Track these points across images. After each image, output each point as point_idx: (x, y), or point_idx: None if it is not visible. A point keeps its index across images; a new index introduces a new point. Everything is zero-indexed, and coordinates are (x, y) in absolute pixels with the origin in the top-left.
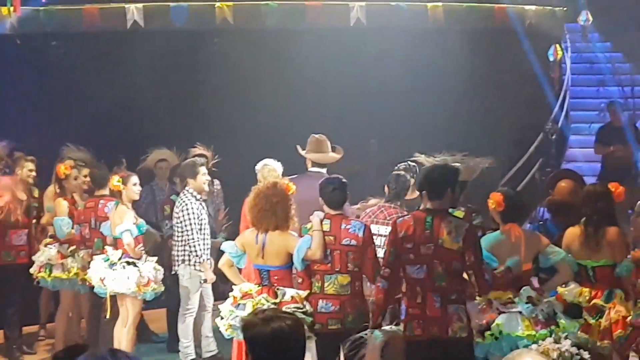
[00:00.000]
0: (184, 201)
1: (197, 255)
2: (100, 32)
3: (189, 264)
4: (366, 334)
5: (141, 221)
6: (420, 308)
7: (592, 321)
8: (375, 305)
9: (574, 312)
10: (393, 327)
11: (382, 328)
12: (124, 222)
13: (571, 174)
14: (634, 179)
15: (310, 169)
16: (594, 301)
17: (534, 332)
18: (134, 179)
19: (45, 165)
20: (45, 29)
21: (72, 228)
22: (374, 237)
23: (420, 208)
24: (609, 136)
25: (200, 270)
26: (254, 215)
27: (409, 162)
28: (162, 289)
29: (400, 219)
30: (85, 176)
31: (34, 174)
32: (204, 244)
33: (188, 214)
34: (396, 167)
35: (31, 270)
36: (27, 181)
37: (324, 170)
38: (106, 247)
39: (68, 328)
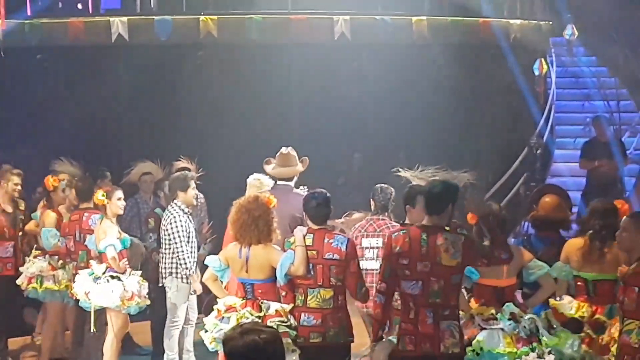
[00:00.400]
0: (172, 214)
1: (186, 268)
2: (85, 46)
3: (177, 277)
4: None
5: (125, 236)
6: (413, 323)
7: (594, 336)
8: (374, 319)
9: (573, 326)
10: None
11: (384, 340)
12: (107, 236)
13: (555, 189)
14: (619, 194)
15: (278, 182)
16: (596, 316)
17: (515, 350)
18: (118, 193)
19: (29, 177)
20: (30, 42)
21: (58, 240)
22: (366, 250)
23: (416, 224)
24: (594, 151)
25: (188, 283)
26: (236, 229)
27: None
28: (147, 302)
29: (395, 234)
30: (67, 189)
31: (19, 187)
32: (192, 256)
33: (176, 227)
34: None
35: (18, 282)
36: (12, 194)
37: (291, 183)
38: (91, 261)
39: (54, 341)
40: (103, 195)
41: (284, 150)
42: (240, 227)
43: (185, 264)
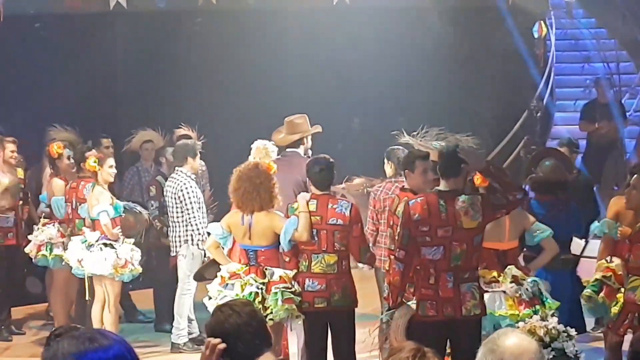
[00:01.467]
0: (181, 181)
1: (199, 234)
2: (83, 13)
3: (192, 244)
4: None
5: (117, 202)
6: (433, 288)
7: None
8: (392, 286)
9: None
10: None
11: (403, 306)
12: (100, 203)
13: (555, 153)
14: (619, 156)
15: (287, 149)
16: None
17: (517, 312)
18: (110, 160)
19: (29, 145)
20: (28, 11)
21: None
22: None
23: (433, 190)
24: (594, 113)
25: (201, 249)
26: (238, 197)
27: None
28: (140, 270)
29: (412, 201)
30: (69, 157)
31: (15, 154)
32: (204, 222)
33: (188, 194)
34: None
35: (27, 250)
36: (9, 161)
37: (299, 150)
38: (84, 228)
39: (65, 306)
40: (95, 162)
41: (288, 118)
42: (242, 195)
43: (199, 229)
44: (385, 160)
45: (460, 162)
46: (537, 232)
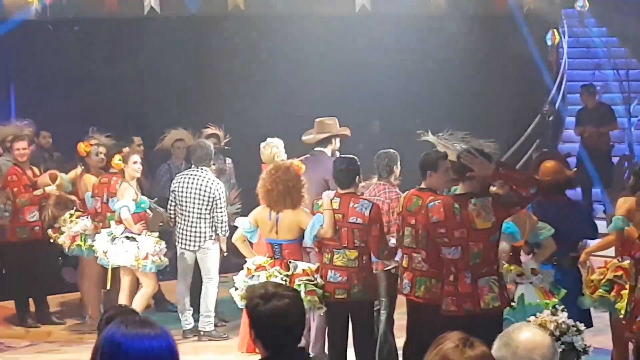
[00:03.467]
0: (214, 180)
1: (226, 229)
2: (119, 18)
3: (215, 238)
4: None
5: (143, 198)
6: (454, 285)
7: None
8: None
9: None
10: None
11: None
12: (123, 198)
13: (552, 154)
14: (607, 157)
15: (315, 149)
16: None
17: (547, 301)
18: (135, 157)
19: (67, 142)
20: (68, 15)
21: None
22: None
23: (450, 195)
24: (585, 118)
25: (217, 241)
26: (271, 198)
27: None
28: (166, 261)
29: (431, 204)
30: (100, 153)
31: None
32: (226, 218)
33: (220, 193)
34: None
35: (60, 241)
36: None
37: (326, 150)
38: (111, 221)
39: (99, 295)
40: (120, 160)
41: (318, 119)
42: (276, 197)
43: (226, 224)
44: (375, 164)
45: (469, 168)
46: (543, 229)
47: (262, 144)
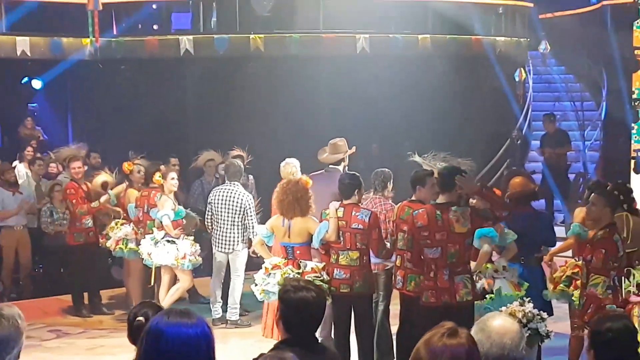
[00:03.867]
0: (245, 193)
1: (254, 235)
2: (159, 58)
3: (244, 241)
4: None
5: (180, 208)
6: (434, 280)
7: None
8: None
9: None
10: None
11: None
12: (164, 208)
13: (519, 172)
14: (565, 174)
15: (330, 166)
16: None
17: (518, 292)
18: (172, 174)
19: (114, 162)
20: (116, 56)
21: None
22: None
23: (431, 203)
24: (547, 141)
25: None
26: (283, 207)
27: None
28: (200, 260)
29: (416, 212)
30: (140, 171)
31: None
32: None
33: (250, 204)
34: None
35: (108, 245)
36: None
37: (339, 167)
38: (153, 228)
39: (141, 290)
40: (159, 176)
41: (332, 140)
42: (287, 205)
43: (255, 230)
44: (372, 180)
45: (454, 182)
46: (508, 235)
47: (282, 164)
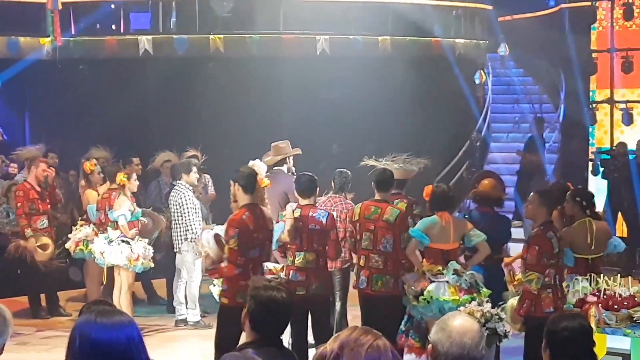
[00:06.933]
0: (181, 191)
1: (193, 232)
2: (118, 58)
3: (187, 240)
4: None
5: (138, 210)
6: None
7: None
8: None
9: None
10: None
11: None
12: (121, 208)
13: (492, 175)
14: (541, 176)
15: (274, 168)
16: None
17: (457, 297)
18: (134, 175)
19: (74, 163)
20: (75, 56)
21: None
22: None
23: (370, 199)
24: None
25: (194, 242)
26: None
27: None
28: (152, 264)
29: (357, 206)
30: (99, 173)
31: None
32: (198, 223)
33: (185, 202)
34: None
35: (67, 246)
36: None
37: (283, 168)
38: (108, 227)
39: (98, 290)
40: (124, 177)
41: (274, 143)
42: None
43: (193, 229)
44: (332, 180)
45: (389, 182)
46: (474, 236)
47: (250, 164)
